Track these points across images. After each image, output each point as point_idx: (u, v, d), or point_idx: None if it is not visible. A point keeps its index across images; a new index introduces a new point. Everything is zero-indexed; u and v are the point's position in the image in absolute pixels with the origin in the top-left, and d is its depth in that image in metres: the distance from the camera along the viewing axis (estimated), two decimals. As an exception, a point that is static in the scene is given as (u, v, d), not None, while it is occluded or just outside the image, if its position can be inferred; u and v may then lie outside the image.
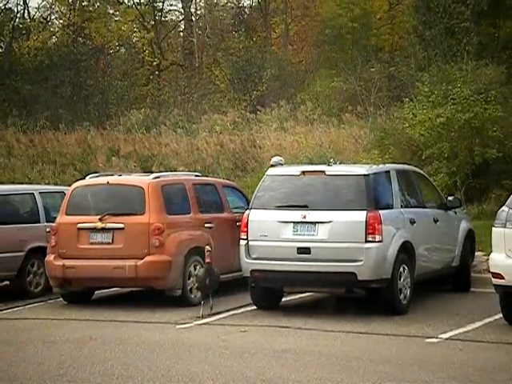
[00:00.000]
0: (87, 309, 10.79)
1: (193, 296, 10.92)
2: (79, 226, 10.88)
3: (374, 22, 33.00)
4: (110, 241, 10.75)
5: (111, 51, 36.22)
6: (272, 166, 11.60)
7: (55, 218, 11.36)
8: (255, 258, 10.15)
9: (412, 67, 24.02)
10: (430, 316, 9.68)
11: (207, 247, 10.30)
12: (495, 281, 8.99)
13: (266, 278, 10.11)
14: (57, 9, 37.00)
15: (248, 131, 25.28)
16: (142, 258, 10.56)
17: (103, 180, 11.42)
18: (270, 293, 10.51)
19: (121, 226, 10.70)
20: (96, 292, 11.62)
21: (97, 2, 35.54)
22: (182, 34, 39.68)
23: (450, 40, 24.04)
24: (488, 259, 9.51)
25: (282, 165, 11.93)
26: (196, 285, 10.69)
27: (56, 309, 11.04)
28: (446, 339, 8.62)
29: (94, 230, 10.80)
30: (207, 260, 10.20)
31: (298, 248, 9.84)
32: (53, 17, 37.88)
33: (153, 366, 7.63)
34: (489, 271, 9.38)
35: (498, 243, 8.98)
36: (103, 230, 10.77)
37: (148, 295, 11.29)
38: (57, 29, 36.94)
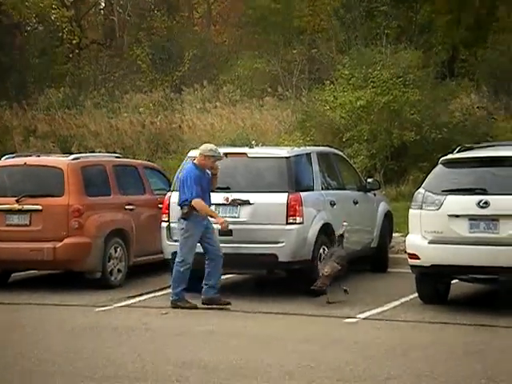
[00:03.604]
0: (4, 292, 10.56)
1: (113, 278, 10.83)
2: (-5, 207, 10.63)
3: (297, 4, 33.09)
4: (28, 223, 10.55)
5: (29, 28, 35.27)
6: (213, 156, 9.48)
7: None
8: (176, 240, 10.10)
9: (333, 50, 24.25)
10: (348, 296, 9.85)
11: (344, 223, 9.89)
12: (411, 261, 9.20)
13: (188, 260, 10.08)
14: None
15: (170, 112, 25.08)
16: (60, 241, 10.40)
17: (20, 161, 11.18)
18: (191, 275, 10.48)
19: (39, 207, 10.50)
20: (13, 274, 11.39)
21: (14, -23, 34.49)
22: (102, 12, 38.96)
23: (369, 23, 24.35)
24: (405, 240, 9.73)
25: (218, 157, 9.58)
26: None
27: (-29, 293, 10.77)
28: (364, 319, 8.80)
29: (11, 211, 10.58)
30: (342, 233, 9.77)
31: (220, 230, 9.85)
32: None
33: (71, 349, 7.53)
34: (405, 252, 9.60)
35: (415, 225, 9.19)
36: (20, 211, 10.56)
37: (67, 278, 11.13)
38: (-29, 4, 35.72)
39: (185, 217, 9.38)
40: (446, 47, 24.08)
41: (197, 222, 9.39)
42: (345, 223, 10.00)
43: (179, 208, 9.51)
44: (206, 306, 9.37)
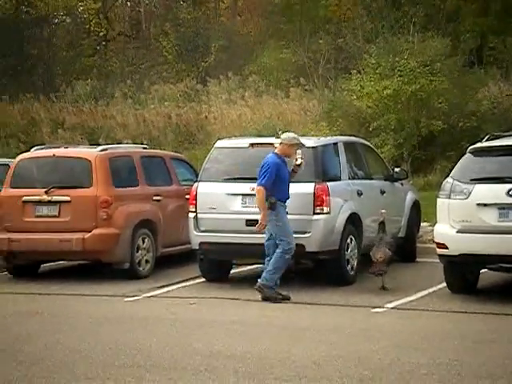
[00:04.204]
0: (34, 282, 10.69)
1: (141, 269, 10.91)
2: (24, 198, 10.75)
3: (323, -7, 32.93)
4: (57, 214, 10.65)
5: (56, 21, 35.51)
6: (295, 144, 9.40)
7: (-1, 190, 11.19)
8: (204, 231, 10.16)
9: (359, 39, 24.13)
10: (376, 286, 9.82)
11: (383, 210, 10.04)
12: (439, 251, 9.15)
13: (215, 251, 10.13)
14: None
15: (197, 103, 25.13)
16: (89, 231, 10.49)
17: (49, 152, 11.29)
18: (218, 265, 10.54)
19: (67, 198, 10.59)
20: (42, 265, 11.51)
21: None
22: (128, 3, 39.12)
23: (396, 12, 24.19)
24: (433, 230, 9.67)
25: (301, 145, 9.53)
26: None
27: (1, 283, 10.90)
28: (392, 308, 8.77)
29: (40, 202, 10.69)
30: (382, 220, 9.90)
31: (247, 220, 9.86)
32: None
33: (100, 338, 7.60)
34: (433, 241, 9.55)
35: (443, 214, 9.13)
36: (49, 202, 10.66)
37: (95, 268, 11.22)
38: (-1, -3, 35.98)
39: (271, 207, 9.25)
40: (474, 35, 23.85)
41: (282, 209, 9.27)
42: (383, 210, 10.06)
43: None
44: (232, 297, 9.40)
